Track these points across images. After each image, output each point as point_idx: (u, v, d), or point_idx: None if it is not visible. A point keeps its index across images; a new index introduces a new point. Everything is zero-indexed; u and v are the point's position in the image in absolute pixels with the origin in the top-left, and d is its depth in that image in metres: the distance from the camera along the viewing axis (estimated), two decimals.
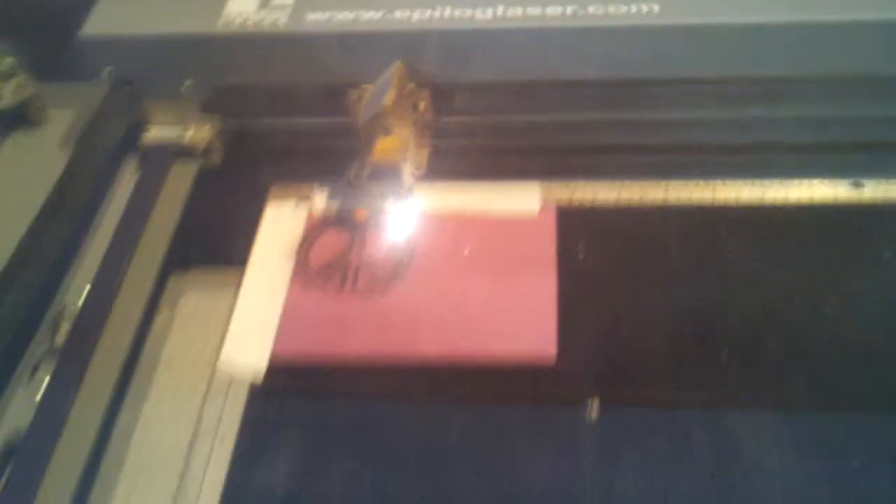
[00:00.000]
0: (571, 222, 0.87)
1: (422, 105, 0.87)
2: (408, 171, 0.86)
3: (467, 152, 0.93)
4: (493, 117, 0.92)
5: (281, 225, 0.90)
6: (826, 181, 0.87)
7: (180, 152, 0.93)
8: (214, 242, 0.92)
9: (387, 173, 0.85)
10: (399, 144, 0.84)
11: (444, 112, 0.90)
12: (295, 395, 0.81)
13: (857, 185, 0.86)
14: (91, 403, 0.75)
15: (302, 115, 0.92)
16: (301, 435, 0.78)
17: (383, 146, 0.84)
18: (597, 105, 0.89)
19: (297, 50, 0.87)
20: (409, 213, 0.89)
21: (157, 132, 0.94)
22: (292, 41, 0.87)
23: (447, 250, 0.87)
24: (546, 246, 0.86)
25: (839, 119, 0.89)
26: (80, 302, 0.80)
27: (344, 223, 0.88)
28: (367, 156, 0.84)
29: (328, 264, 0.87)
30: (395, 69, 0.83)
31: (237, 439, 0.76)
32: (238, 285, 0.86)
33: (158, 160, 0.93)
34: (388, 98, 0.80)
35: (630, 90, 0.87)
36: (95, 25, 0.89)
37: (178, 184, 0.92)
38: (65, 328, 0.79)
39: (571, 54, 0.84)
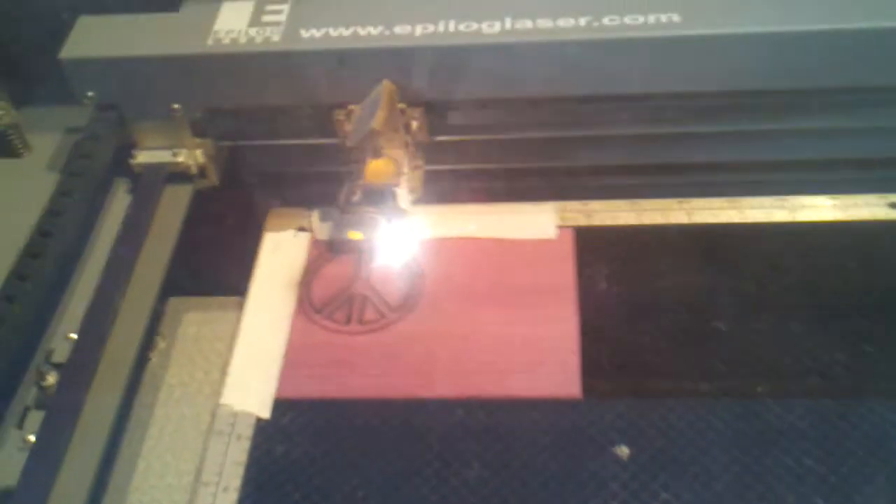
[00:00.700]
0: (591, 246, 0.83)
1: (415, 125, 0.82)
2: (402, 193, 0.82)
3: (475, 174, 0.89)
4: (500, 136, 0.86)
5: (280, 255, 0.86)
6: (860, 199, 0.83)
7: (172, 176, 0.88)
8: (212, 269, 0.89)
9: (380, 196, 0.81)
10: (391, 166, 0.80)
11: (442, 131, 0.85)
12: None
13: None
14: (88, 442, 0.70)
15: (300, 136, 0.87)
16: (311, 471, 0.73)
17: (374, 168, 0.80)
18: (617, 120, 0.84)
19: (292, 68, 0.82)
20: (415, 239, 0.85)
21: (146, 157, 0.88)
22: (286, 59, 0.81)
23: (459, 279, 0.83)
24: (565, 273, 0.82)
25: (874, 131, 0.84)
26: (75, 334, 0.75)
27: (348, 252, 0.84)
28: (358, 179, 0.80)
29: (332, 297, 0.82)
30: (383, 88, 0.78)
31: (243, 478, 0.72)
32: (238, 315, 0.82)
33: (150, 184, 0.88)
34: (378, 120, 0.75)
35: (651, 104, 0.82)
36: (76, 47, 0.83)
37: (172, 209, 0.87)
38: (58, 362, 0.74)
39: (586, 68, 0.79)
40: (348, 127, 0.81)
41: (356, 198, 0.81)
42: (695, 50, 0.77)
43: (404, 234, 0.84)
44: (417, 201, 0.85)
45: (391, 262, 0.84)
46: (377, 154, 0.79)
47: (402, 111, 0.80)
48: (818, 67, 0.78)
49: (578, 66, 0.79)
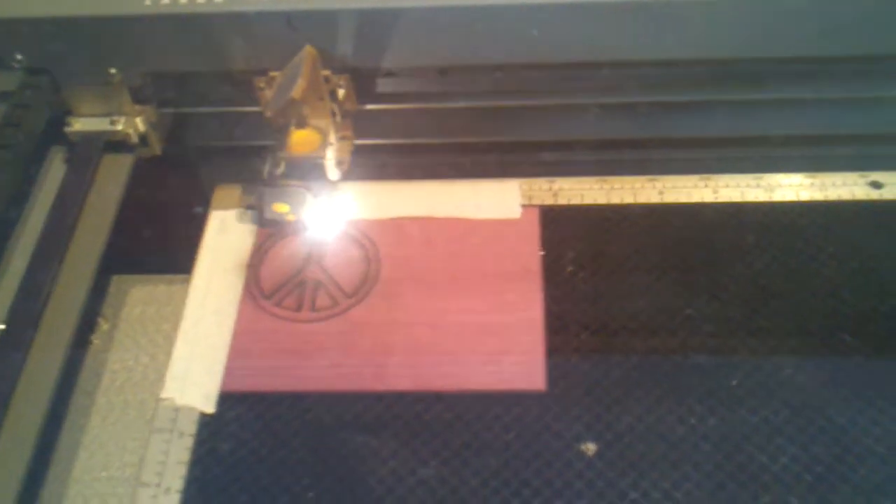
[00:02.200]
0: (557, 226, 0.79)
1: (341, 93, 0.79)
2: (330, 165, 0.78)
3: (431, 148, 0.86)
4: (459, 104, 0.83)
5: (227, 235, 0.81)
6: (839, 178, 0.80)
7: (111, 145, 0.83)
8: (158, 246, 0.85)
9: (305, 168, 0.77)
10: (315, 137, 0.77)
11: (384, 100, 0.82)
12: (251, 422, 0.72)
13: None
14: (17, 439, 0.67)
15: (248, 104, 0.82)
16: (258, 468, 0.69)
17: (298, 139, 0.76)
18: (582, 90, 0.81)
19: (238, 30, 0.77)
20: (346, 212, 0.81)
21: (82, 124, 0.83)
22: (232, 20, 0.76)
23: (417, 262, 0.79)
24: (530, 255, 0.78)
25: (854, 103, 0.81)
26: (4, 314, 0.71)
27: (293, 232, 0.80)
28: (281, 150, 0.76)
29: (283, 282, 0.78)
30: (305, 55, 0.74)
31: (186, 478, 0.68)
32: (185, 295, 0.78)
33: (86, 153, 0.83)
34: (298, 89, 0.72)
35: (619, 74, 0.78)
36: (1, 5, 0.77)
37: (111, 180, 0.83)
38: None
39: (551, 34, 0.76)
40: (269, 95, 0.77)
41: (280, 170, 0.77)
42: (667, 16, 0.74)
43: (333, 208, 0.81)
44: (346, 173, 0.82)
45: (349, 245, 0.80)
46: (301, 124, 0.76)
47: (327, 78, 0.77)
48: (797, 35, 0.75)
49: (544, 31, 0.75)
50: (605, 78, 0.80)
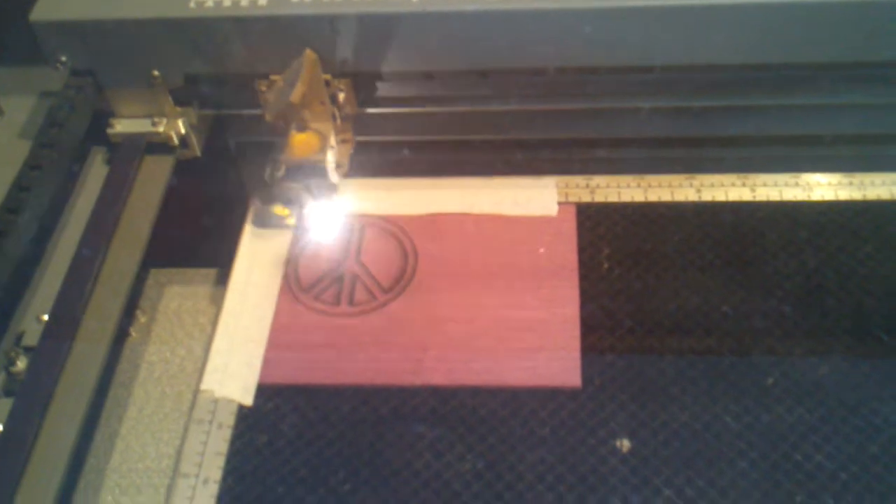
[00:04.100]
0: (594, 224, 0.80)
1: (342, 97, 0.79)
2: (331, 168, 0.78)
3: (469, 145, 0.86)
4: (501, 107, 0.83)
5: (266, 231, 0.82)
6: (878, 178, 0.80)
7: (152, 146, 0.84)
8: (196, 241, 0.86)
9: (305, 171, 0.77)
10: (315, 140, 0.77)
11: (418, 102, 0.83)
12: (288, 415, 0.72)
13: None
14: (60, 429, 0.67)
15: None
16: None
17: (298, 142, 0.76)
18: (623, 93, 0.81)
19: (281, 33, 0.77)
20: (408, 215, 0.82)
21: (124, 126, 0.84)
22: (275, 23, 0.76)
23: (454, 258, 0.79)
24: (566, 252, 0.78)
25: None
26: (47, 316, 0.72)
27: (337, 229, 0.81)
28: (282, 153, 0.77)
29: (321, 276, 0.78)
30: (304, 59, 0.74)
31: (224, 469, 0.69)
32: (222, 288, 0.79)
33: (128, 154, 0.84)
34: (296, 94, 0.72)
35: (660, 76, 0.78)
36: (48, 8, 0.78)
37: (152, 181, 0.84)
38: (32, 338, 0.71)
39: (591, 39, 0.75)
40: (270, 98, 0.77)
41: (281, 173, 0.78)
42: (707, 19, 0.73)
43: (332, 210, 0.81)
44: (347, 175, 0.82)
45: (387, 240, 0.81)
46: (302, 127, 0.76)
47: (328, 82, 0.77)
48: (836, 40, 0.74)
49: (583, 36, 0.75)
50: (645, 80, 0.80)
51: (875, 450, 0.66)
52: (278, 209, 0.80)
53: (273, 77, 0.78)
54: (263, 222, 0.82)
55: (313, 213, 0.80)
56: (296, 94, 0.72)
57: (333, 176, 0.78)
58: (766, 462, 0.66)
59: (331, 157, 0.78)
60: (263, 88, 0.79)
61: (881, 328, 0.72)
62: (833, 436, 0.67)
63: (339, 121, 0.80)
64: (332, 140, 0.78)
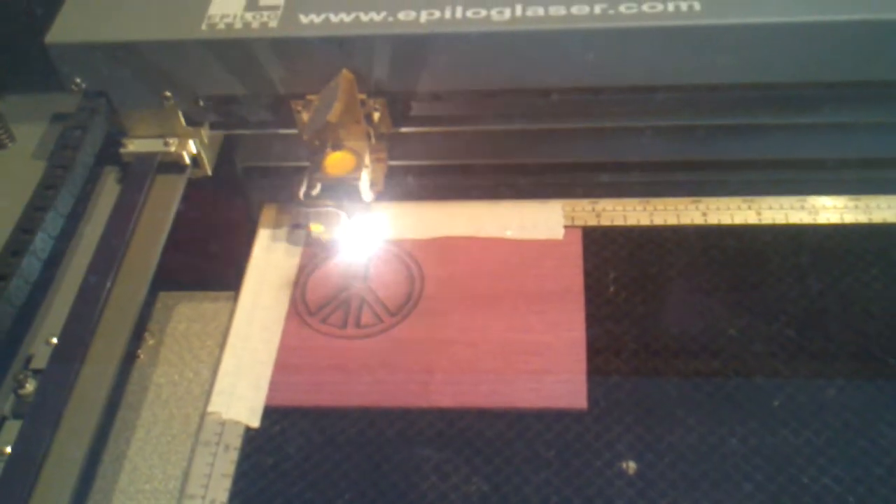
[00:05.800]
0: (599, 247, 0.80)
1: (376, 116, 0.79)
2: (365, 187, 0.78)
3: (475, 169, 0.86)
4: (502, 127, 0.83)
5: (275, 252, 0.82)
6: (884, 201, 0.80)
7: (164, 166, 0.84)
8: (204, 263, 0.86)
9: (341, 190, 0.78)
10: (350, 159, 0.78)
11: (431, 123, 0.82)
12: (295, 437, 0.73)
13: None
14: (68, 452, 0.66)
15: (297, 127, 0.83)
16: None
17: (334, 161, 0.77)
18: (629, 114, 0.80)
19: (291, 55, 0.78)
20: (414, 238, 0.82)
21: (136, 145, 0.84)
22: (284, 45, 0.77)
23: (461, 281, 0.79)
24: (572, 276, 0.78)
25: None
26: (56, 339, 0.72)
27: (346, 251, 0.81)
28: (317, 171, 0.77)
29: (328, 299, 0.79)
30: (341, 79, 0.75)
31: (230, 491, 0.69)
32: (230, 311, 0.80)
33: (140, 174, 0.84)
34: (334, 113, 0.73)
35: (665, 97, 0.78)
36: (63, 31, 0.79)
37: (163, 200, 0.84)
38: (40, 361, 0.71)
39: (598, 58, 0.75)
40: (306, 118, 0.78)
41: (315, 191, 0.78)
42: (715, 40, 0.73)
43: (367, 228, 0.82)
44: (391, 194, 0.83)
45: (394, 264, 0.81)
46: (337, 146, 0.77)
47: (363, 102, 0.78)
48: (844, 60, 0.74)
49: (591, 56, 0.75)
50: (649, 102, 0.80)
51: (881, 472, 0.66)
52: (313, 226, 0.80)
53: (309, 97, 0.78)
54: (272, 245, 0.83)
55: (352, 230, 0.81)
56: (334, 113, 0.73)
57: (367, 194, 0.79)
58: (772, 484, 0.66)
59: (365, 176, 0.78)
60: (299, 108, 0.79)
61: (887, 351, 0.72)
62: (839, 458, 0.67)
63: (373, 140, 0.80)
64: (367, 159, 0.79)
